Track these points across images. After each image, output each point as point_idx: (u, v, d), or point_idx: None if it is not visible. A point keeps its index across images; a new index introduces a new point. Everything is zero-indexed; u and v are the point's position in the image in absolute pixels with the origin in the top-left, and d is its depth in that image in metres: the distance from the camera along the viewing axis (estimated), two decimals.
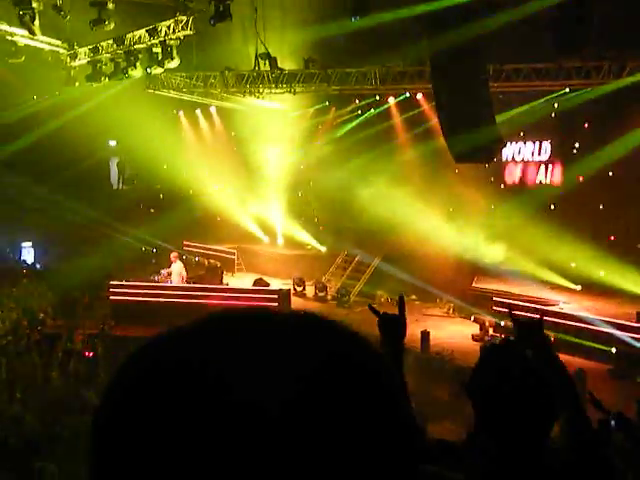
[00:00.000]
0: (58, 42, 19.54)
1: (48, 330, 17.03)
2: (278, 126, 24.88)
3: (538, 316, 2.56)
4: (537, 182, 21.32)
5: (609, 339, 14.48)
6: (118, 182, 29.91)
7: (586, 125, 19.84)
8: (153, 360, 0.68)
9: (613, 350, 14.28)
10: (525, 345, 2.43)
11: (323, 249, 24.27)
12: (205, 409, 0.62)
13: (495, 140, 14.55)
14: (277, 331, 0.69)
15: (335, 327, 0.71)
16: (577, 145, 20.27)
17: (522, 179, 21.71)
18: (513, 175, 21.92)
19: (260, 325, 0.71)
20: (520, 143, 21.42)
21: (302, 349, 0.67)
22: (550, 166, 21.16)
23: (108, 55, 19.11)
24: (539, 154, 21.28)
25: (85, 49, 19.58)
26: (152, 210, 26.74)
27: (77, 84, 20.79)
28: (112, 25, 16.50)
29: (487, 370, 2.20)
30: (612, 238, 18.79)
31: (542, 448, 2.08)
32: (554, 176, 21.09)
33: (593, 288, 18.04)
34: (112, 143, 28.50)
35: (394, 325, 2.57)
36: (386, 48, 17.92)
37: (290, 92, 20.35)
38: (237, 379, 0.63)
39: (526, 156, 21.48)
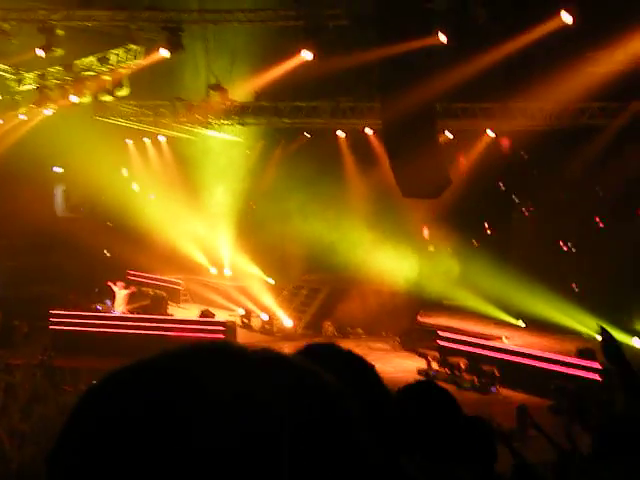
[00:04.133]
0: (4, 66, 19.26)
1: None
2: (228, 157, 24.85)
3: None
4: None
5: (550, 375, 14.70)
6: (63, 209, 29.40)
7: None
8: (113, 405, 0.66)
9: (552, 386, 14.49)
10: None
11: (271, 281, 24.18)
12: (170, 459, 0.61)
13: (442, 178, 14.81)
14: (242, 370, 0.69)
15: (299, 365, 0.71)
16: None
17: None
18: None
19: (224, 364, 0.70)
20: None
21: (269, 388, 0.66)
22: None
23: (56, 81, 18.87)
24: None
25: (32, 74, 19.31)
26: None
27: (22, 109, 20.48)
28: (60, 51, 16.33)
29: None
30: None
31: None
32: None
33: (536, 324, 18.36)
34: (58, 170, 28.00)
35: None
36: (337, 83, 18.15)
37: (240, 124, 20.39)
38: (203, 425, 0.62)
39: None
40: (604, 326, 2.84)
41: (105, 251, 25.63)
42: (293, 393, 0.67)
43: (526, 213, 20.45)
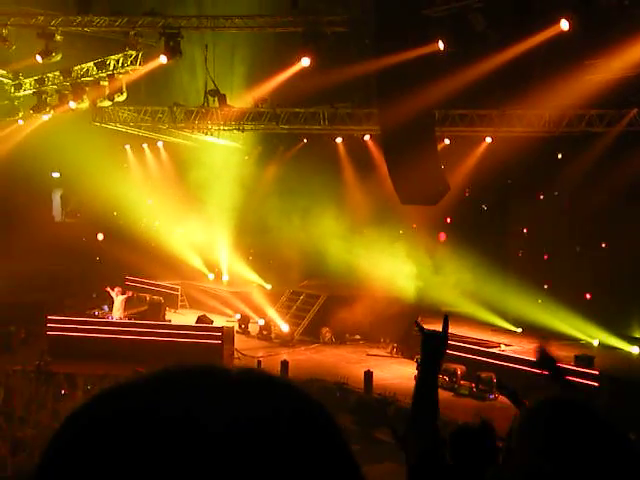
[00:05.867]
0: (3, 72, 19.29)
1: None
2: (226, 163, 24.86)
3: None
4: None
5: (548, 382, 14.65)
6: (61, 215, 29.39)
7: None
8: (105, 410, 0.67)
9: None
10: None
11: (268, 287, 24.17)
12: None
13: (441, 184, 14.82)
14: (225, 386, 0.70)
15: (283, 384, 0.73)
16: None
17: None
18: None
19: (208, 380, 0.70)
20: None
21: (250, 403, 0.67)
22: None
23: (54, 87, 18.89)
24: None
25: (30, 80, 19.34)
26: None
27: (20, 114, 20.51)
28: (59, 57, 16.36)
29: None
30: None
31: None
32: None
33: (534, 331, 18.34)
34: (55, 175, 28.01)
35: (436, 342, 2.62)
36: (335, 89, 18.15)
37: (239, 130, 20.40)
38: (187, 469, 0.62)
39: None
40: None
41: (97, 258, 25.64)
42: (282, 421, 0.67)
43: (524, 221, 20.49)
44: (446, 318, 2.64)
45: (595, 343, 17.52)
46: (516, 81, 16.18)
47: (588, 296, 18.41)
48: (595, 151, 17.53)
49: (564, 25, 13.20)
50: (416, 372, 2.61)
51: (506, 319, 19.07)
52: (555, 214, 19.55)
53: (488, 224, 21.33)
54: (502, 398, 14.76)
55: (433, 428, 2.63)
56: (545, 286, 19.05)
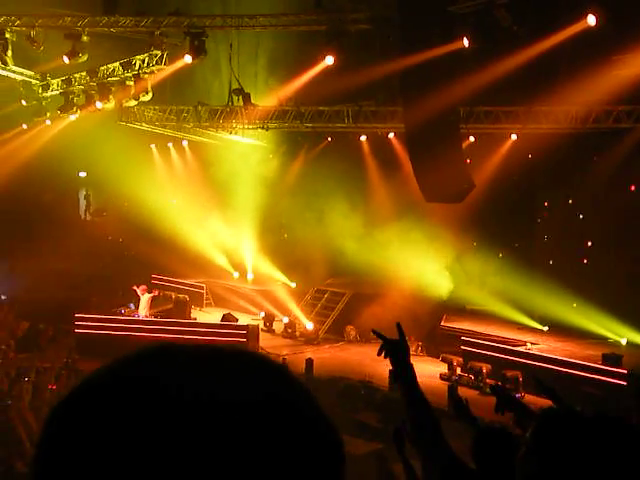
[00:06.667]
0: (31, 73, 19.52)
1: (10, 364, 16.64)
2: (251, 161, 24.94)
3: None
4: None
5: (575, 380, 14.55)
6: (86, 213, 29.67)
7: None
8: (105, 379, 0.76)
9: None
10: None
11: (293, 285, 24.21)
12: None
13: (466, 182, 14.73)
14: (214, 361, 0.76)
15: (268, 364, 0.78)
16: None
17: None
18: None
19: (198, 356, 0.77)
20: None
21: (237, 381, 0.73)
22: None
23: (81, 87, 19.08)
24: None
25: (58, 80, 19.55)
26: (121, 240, 26.57)
27: (48, 114, 20.74)
28: (85, 57, 16.52)
29: None
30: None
31: None
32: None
33: (560, 329, 18.19)
34: (82, 174, 28.28)
35: (396, 346, 2.95)
36: (359, 87, 18.11)
37: (263, 128, 20.44)
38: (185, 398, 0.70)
39: None
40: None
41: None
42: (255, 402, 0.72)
43: (552, 212, 20.31)
44: (398, 325, 3.04)
45: (623, 342, 17.32)
46: (542, 77, 16.04)
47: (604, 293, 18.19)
48: (622, 148, 17.33)
49: (591, 20, 13.04)
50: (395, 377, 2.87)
51: (532, 317, 18.92)
52: (583, 211, 19.35)
53: (514, 222, 21.18)
54: (529, 397, 14.69)
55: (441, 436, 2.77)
56: (573, 284, 18.88)
